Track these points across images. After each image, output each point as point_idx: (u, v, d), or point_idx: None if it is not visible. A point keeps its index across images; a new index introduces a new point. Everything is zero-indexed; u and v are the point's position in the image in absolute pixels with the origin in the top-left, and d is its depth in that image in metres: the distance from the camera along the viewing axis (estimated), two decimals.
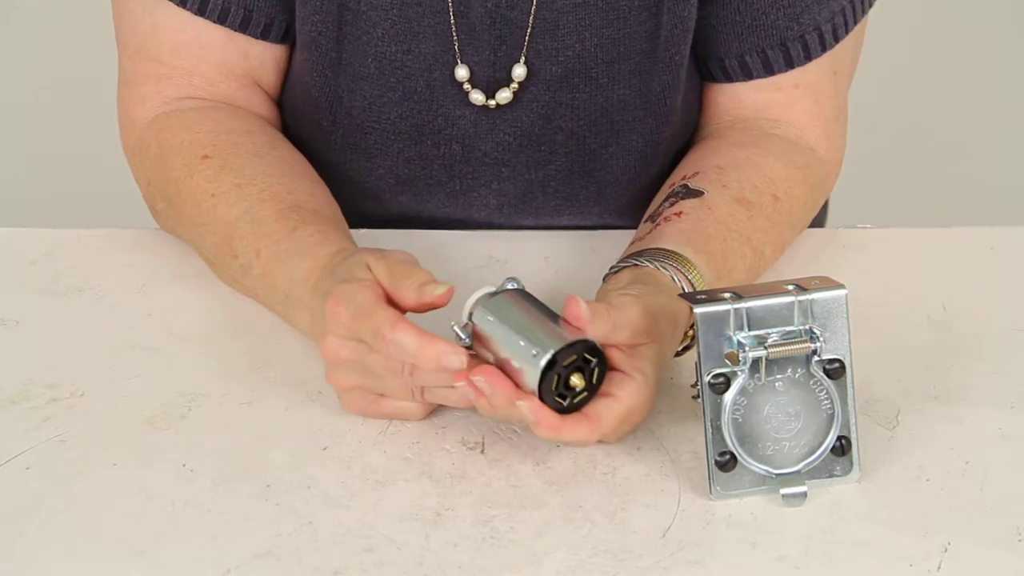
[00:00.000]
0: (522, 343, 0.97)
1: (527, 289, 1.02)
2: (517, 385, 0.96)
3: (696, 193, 1.15)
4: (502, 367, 0.97)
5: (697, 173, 1.17)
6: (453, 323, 1.00)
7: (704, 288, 1.07)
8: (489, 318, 0.99)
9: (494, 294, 1.00)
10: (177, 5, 1.18)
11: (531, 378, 0.96)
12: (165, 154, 1.18)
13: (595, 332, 0.97)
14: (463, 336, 1.00)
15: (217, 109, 1.20)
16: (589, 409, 0.97)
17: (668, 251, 1.08)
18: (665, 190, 1.18)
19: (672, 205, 1.14)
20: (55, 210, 2.63)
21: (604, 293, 1.05)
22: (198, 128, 1.18)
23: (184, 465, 0.99)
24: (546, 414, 0.95)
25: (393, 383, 1.00)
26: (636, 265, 1.07)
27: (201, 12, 1.18)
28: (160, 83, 1.21)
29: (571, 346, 0.96)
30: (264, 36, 1.21)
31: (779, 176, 1.18)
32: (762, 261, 1.15)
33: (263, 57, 1.22)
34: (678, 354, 1.06)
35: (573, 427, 0.96)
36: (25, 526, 0.94)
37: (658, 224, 1.12)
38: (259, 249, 1.10)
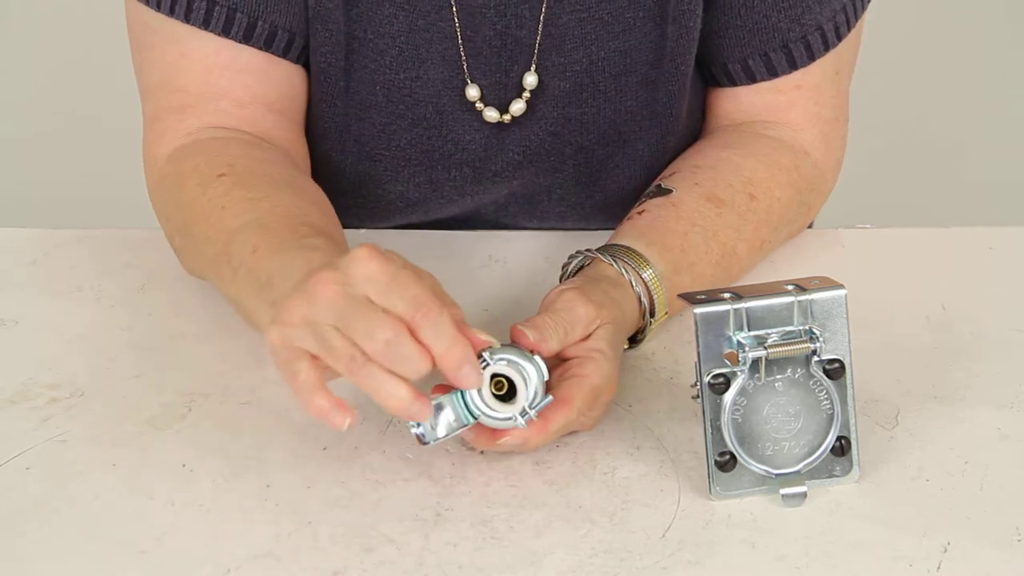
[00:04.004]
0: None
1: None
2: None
3: (665, 192, 1.15)
4: None
5: (674, 173, 1.18)
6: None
7: (658, 279, 1.07)
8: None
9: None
10: (218, 35, 1.14)
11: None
12: (181, 179, 1.13)
13: (552, 346, 0.97)
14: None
15: (239, 140, 1.15)
16: (561, 393, 0.96)
17: (619, 246, 1.09)
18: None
19: (639, 205, 1.14)
20: (55, 210, 2.63)
21: (552, 298, 1.03)
22: (216, 152, 1.13)
23: (184, 465, 0.99)
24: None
25: (340, 342, 0.90)
26: (588, 258, 1.08)
27: (247, 40, 1.14)
28: (183, 113, 1.16)
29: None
30: (298, 60, 1.18)
31: (759, 177, 1.17)
32: (735, 258, 1.14)
33: (304, 80, 1.19)
34: (634, 345, 1.07)
35: (556, 414, 0.96)
36: (25, 526, 0.94)
37: (622, 224, 1.13)
38: (257, 246, 1.02)
